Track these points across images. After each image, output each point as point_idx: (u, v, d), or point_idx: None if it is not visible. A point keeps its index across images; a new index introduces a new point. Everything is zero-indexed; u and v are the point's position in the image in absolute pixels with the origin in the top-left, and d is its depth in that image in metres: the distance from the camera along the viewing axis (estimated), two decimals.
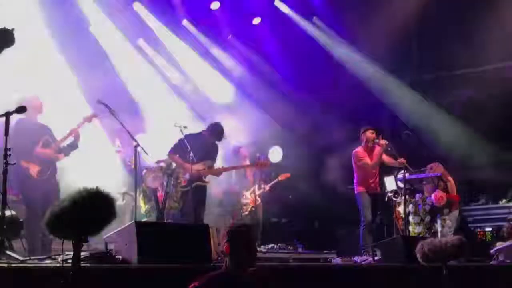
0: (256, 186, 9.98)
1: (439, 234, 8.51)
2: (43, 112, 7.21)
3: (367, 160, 8.53)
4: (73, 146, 7.32)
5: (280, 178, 10.47)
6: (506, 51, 11.60)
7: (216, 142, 8.10)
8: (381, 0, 11.53)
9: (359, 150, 8.69)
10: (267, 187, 10.27)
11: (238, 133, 10.50)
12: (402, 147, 9.66)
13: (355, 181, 8.72)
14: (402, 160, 8.38)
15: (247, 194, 10.05)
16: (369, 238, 8.29)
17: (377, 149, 8.53)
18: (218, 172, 8.10)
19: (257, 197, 9.95)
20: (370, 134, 8.61)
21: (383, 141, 8.47)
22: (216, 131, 7.96)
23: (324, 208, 12.27)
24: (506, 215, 11.14)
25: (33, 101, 7.07)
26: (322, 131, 12.26)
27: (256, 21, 12.17)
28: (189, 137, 7.71)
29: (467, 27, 11.78)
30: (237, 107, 11.58)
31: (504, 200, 11.73)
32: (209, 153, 8.00)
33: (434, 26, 12.17)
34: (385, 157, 8.62)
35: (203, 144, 7.93)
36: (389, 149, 8.46)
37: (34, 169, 6.88)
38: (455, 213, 8.92)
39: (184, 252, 4.82)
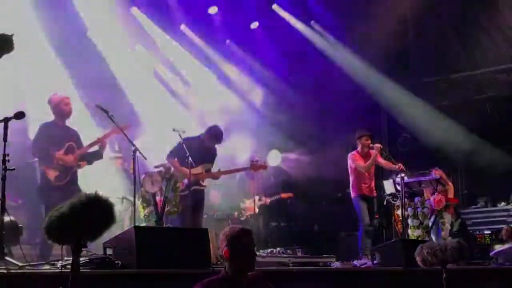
0: (257, 197, 10.06)
1: (435, 237, 8.56)
2: (70, 117, 7.10)
3: (361, 162, 8.64)
4: (98, 155, 7.23)
5: (282, 195, 10.77)
6: (504, 54, 11.64)
7: (215, 146, 8.09)
8: (380, 3, 11.56)
9: (354, 153, 8.86)
10: (268, 201, 10.46)
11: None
12: (400, 150, 9.73)
13: (351, 185, 8.85)
14: (400, 165, 8.46)
15: (247, 201, 10.12)
16: (367, 241, 8.35)
17: (372, 153, 8.67)
18: (216, 176, 8.08)
19: (256, 208, 10.06)
20: (364, 140, 8.78)
21: (377, 145, 8.59)
22: (214, 134, 7.94)
23: (323, 212, 12.29)
24: (505, 218, 11.16)
25: (60, 104, 6.98)
26: (320, 135, 12.29)
27: (254, 25, 12.21)
28: (187, 141, 7.69)
29: (466, 31, 11.82)
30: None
31: (503, 203, 11.75)
32: (208, 157, 7.99)
33: (432, 30, 12.20)
34: (382, 161, 8.73)
35: (201, 148, 7.91)
36: (383, 153, 8.57)
37: (52, 174, 6.77)
38: (449, 216, 8.97)
39: (184, 257, 4.81)
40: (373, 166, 8.75)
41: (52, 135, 6.90)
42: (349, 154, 8.87)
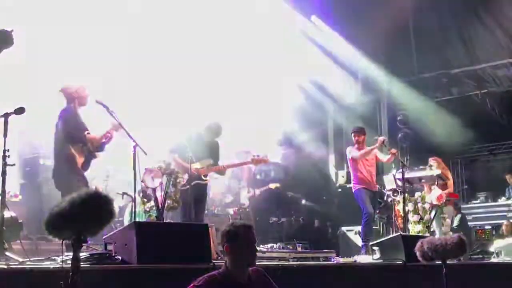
0: (246, 190, 10.07)
1: (437, 232, 8.58)
2: (87, 104, 6.75)
3: (355, 152, 8.74)
4: (101, 148, 6.93)
5: (271, 186, 10.80)
6: (504, 49, 11.65)
7: (216, 140, 8.08)
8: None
9: (351, 146, 8.94)
10: (258, 192, 10.47)
11: None
12: (400, 145, 9.74)
13: (352, 178, 8.93)
14: (393, 150, 8.55)
15: (244, 193, 10.15)
16: (370, 231, 8.48)
17: (368, 147, 8.75)
18: (219, 170, 8.06)
19: (246, 200, 10.12)
20: (357, 137, 8.86)
21: (380, 138, 8.66)
22: (213, 128, 7.93)
23: (324, 207, 12.31)
24: (505, 213, 11.19)
25: (79, 91, 6.68)
26: (320, 131, 12.30)
27: None
28: (188, 136, 7.70)
29: (466, 26, 11.81)
30: None
31: (503, 198, 11.77)
32: (209, 152, 7.96)
33: (433, 26, 12.19)
34: (381, 156, 8.79)
35: (202, 143, 7.90)
36: (385, 146, 8.66)
37: (80, 161, 6.52)
38: (450, 209, 9.01)
39: (184, 252, 4.80)
40: (373, 160, 8.77)
41: (76, 120, 6.63)
42: (347, 148, 9.01)
